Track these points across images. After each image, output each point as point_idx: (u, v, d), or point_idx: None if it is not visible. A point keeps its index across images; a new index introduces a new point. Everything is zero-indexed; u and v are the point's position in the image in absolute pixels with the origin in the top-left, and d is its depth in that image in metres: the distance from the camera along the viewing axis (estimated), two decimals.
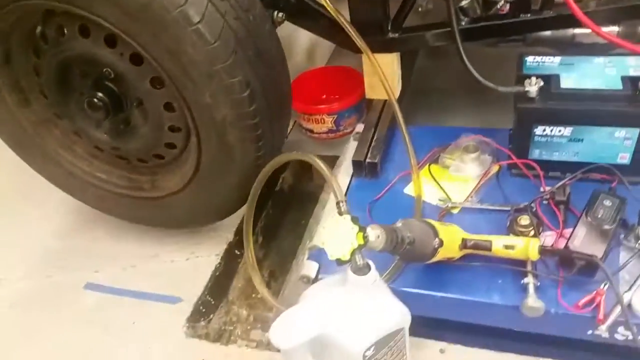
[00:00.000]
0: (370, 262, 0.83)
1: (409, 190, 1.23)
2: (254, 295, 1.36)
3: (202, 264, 1.35)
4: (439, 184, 1.22)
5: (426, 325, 1.09)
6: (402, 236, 0.88)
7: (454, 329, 1.11)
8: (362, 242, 0.81)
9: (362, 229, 0.81)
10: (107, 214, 1.42)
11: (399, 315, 0.86)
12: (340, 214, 0.85)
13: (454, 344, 1.10)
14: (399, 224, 0.91)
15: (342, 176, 1.31)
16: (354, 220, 0.81)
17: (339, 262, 0.82)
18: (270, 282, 1.39)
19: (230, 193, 1.17)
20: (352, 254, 0.81)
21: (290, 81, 1.19)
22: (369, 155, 1.28)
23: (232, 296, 1.34)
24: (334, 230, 0.82)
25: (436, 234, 0.95)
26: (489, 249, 1.01)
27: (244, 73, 0.99)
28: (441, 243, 0.95)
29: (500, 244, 1.00)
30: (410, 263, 1.02)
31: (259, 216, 1.53)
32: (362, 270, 0.82)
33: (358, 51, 1.33)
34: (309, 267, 1.11)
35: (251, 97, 1.02)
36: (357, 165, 1.28)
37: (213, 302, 1.30)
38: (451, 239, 0.99)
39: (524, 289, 0.98)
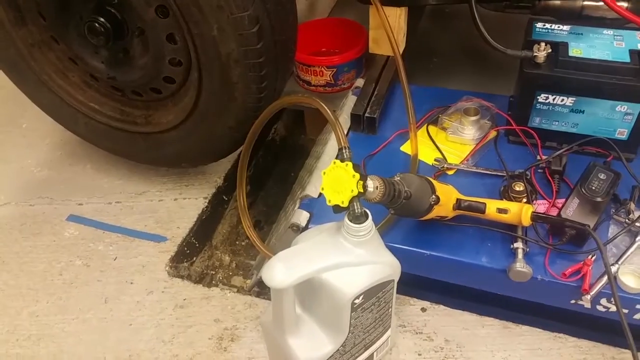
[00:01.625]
0: (368, 211, 0.81)
1: (406, 148, 1.21)
2: (237, 242, 1.34)
3: (190, 205, 1.32)
4: (435, 145, 1.20)
5: (410, 284, 1.08)
6: (400, 190, 0.86)
7: (436, 289, 1.11)
8: (362, 190, 0.79)
9: (363, 178, 0.79)
10: (97, 147, 1.37)
11: (390, 267, 0.84)
12: (343, 160, 0.82)
13: (436, 304, 1.10)
14: (397, 178, 0.89)
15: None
16: (356, 168, 0.79)
17: (337, 209, 0.80)
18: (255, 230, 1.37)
19: (226, 134, 1.13)
20: (351, 201, 0.79)
21: (297, 23, 1.14)
22: (368, 109, 1.24)
23: (216, 241, 1.32)
24: (334, 176, 0.80)
25: (433, 190, 0.93)
26: (482, 212, 0.99)
27: (254, 7, 0.93)
28: (438, 200, 0.93)
29: (493, 207, 0.99)
30: (403, 217, 1.01)
31: (247, 166, 1.50)
32: (359, 218, 0.80)
33: (366, 2, 1.28)
34: (300, 216, 1.09)
35: (259, 33, 0.96)
36: (356, 119, 1.25)
37: (197, 245, 1.28)
38: (446, 198, 0.97)
39: (513, 253, 0.98)
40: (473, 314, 1.08)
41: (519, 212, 0.97)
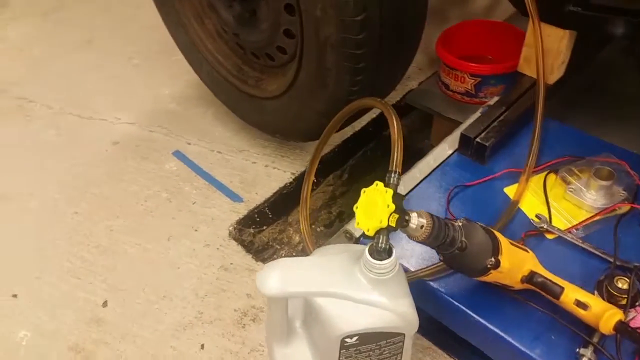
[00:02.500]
0: (394, 249, 0.70)
1: (510, 190, 1.02)
2: (312, 227, 1.29)
3: (276, 176, 1.30)
4: (546, 198, 1.00)
5: (450, 338, 0.95)
6: (454, 237, 0.73)
7: (482, 356, 0.95)
8: (393, 224, 0.68)
9: (401, 212, 0.68)
10: (213, 95, 1.42)
11: (402, 320, 0.72)
12: (387, 185, 0.71)
13: None
14: (458, 223, 0.75)
15: (445, 145, 1.13)
16: (396, 198, 0.68)
17: (363, 235, 0.71)
18: (334, 221, 1.31)
19: (315, 118, 1.07)
20: (377, 232, 0.69)
21: (423, 24, 1.01)
22: (482, 134, 1.07)
23: (291, 219, 1.29)
24: (371, 198, 0.70)
25: (496, 252, 0.76)
26: (557, 297, 0.80)
27: None
28: (497, 265, 0.76)
29: (572, 297, 0.79)
30: (454, 270, 0.86)
31: (353, 153, 1.43)
32: (380, 254, 0.69)
33: (525, 13, 1.09)
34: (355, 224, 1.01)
35: (363, 23, 0.87)
36: (465, 141, 1.08)
37: (270, 216, 1.26)
38: (515, 266, 0.80)
39: (576, 358, 0.78)
40: None
41: (601, 314, 0.76)
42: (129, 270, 1.13)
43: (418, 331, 0.99)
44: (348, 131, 1.40)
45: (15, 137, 1.50)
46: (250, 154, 1.37)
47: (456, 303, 0.88)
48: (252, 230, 1.22)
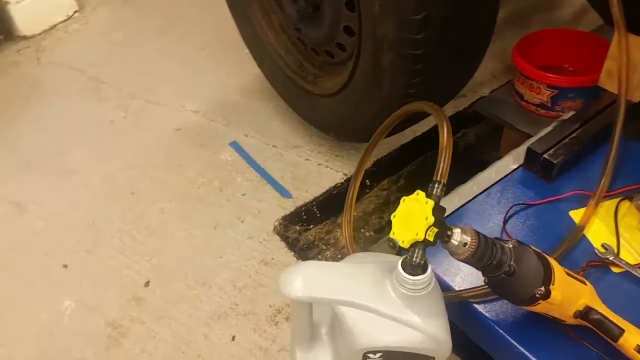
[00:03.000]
0: (429, 265, 0.64)
1: (576, 215, 0.92)
2: (362, 230, 1.24)
3: (328, 175, 1.27)
4: (616, 228, 0.89)
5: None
6: (501, 260, 0.66)
7: None
8: (431, 239, 0.62)
9: (441, 226, 0.62)
10: (273, 88, 1.40)
11: (433, 342, 0.66)
12: (429, 196, 0.65)
13: None
14: (509, 245, 0.68)
15: (510, 159, 1.04)
16: (436, 211, 0.62)
17: (399, 247, 0.65)
18: (385, 227, 1.25)
19: (368, 120, 1.02)
20: (413, 245, 0.63)
21: (493, 26, 0.93)
22: (551, 150, 0.98)
23: (341, 220, 1.24)
24: (410, 208, 0.65)
25: (547, 281, 0.68)
26: (614, 339, 0.71)
27: None
28: (547, 295, 0.68)
29: (633, 341, 0.69)
30: (498, 296, 0.78)
31: (412, 159, 1.36)
32: (415, 269, 0.63)
33: (610, 22, 0.98)
34: None
35: (423, 23, 0.81)
36: (531, 156, 0.99)
37: (319, 215, 1.22)
38: (569, 299, 0.71)
39: None
40: None
41: None
42: (174, 253, 1.14)
43: (460, 355, 0.94)
44: (408, 135, 1.34)
45: (87, 116, 1.56)
46: (305, 151, 1.35)
47: (501, 331, 0.79)
48: (298, 228, 1.19)
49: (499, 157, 1.33)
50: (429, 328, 0.66)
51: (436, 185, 0.67)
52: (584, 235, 0.89)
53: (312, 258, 1.15)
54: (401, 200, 0.67)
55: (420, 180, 1.36)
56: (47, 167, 1.40)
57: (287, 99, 1.35)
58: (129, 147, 1.42)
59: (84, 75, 1.71)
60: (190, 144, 1.41)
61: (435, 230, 0.63)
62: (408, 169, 1.35)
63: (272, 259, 1.10)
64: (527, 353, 0.76)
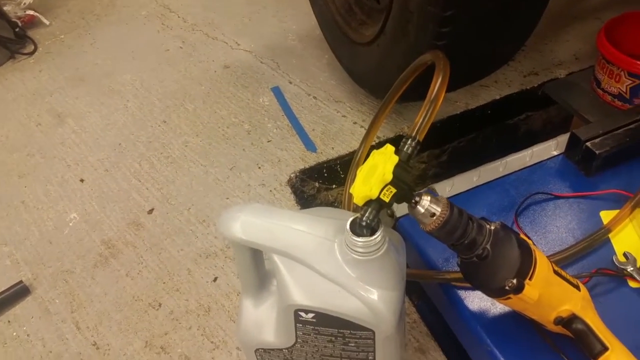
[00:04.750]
0: (380, 228, 0.60)
1: (606, 216, 0.82)
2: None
3: (361, 135, 1.21)
4: None
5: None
6: (475, 240, 0.60)
7: None
8: (386, 200, 0.58)
9: (401, 187, 0.57)
10: (321, 31, 1.37)
11: (371, 315, 0.61)
12: (397, 152, 0.60)
13: None
14: (490, 226, 0.62)
15: (552, 144, 0.94)
16: (399, 169, 0.57)
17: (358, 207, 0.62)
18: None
19: (394, 73, 0.95)
20: (366, 204, 0.59)
21: None
22: (597, 140, 0.87)
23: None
24: (375, 163, 0.60)
25: (523, 274, 0.61)
26: (594, 357, 0.63)
27: None
28: (518, 289, 0.61)
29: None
30: (468, 282, 0.71)
31: (461, 135, 1.27)
32: (362, 229, 0.59)
33: None
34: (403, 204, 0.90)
35: None
36: (573, 142, 0.89)
37: (342, 176, 1.19)
38: (549, 300, 0.63)
39: None
40: None
41: None
42: (184, 187, 1.17)
43: (438, 341, 0.88)
44: (459, 107, 1.25)
45: (146, 41, 1.64)
46: (345, 107, 1.30)
47: (477, 324, 0.74)
48: (317, 185, 1.17)
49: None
50: (369, 297, 0.62)
51: (409, 141, 0.62)
52: (608, 239, 0.79)
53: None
54: (371, 154, 0.63)
55: (467, 159, 1.28)
56: (94, 85, 1.49)
57: (331, 45, 1.32)
58: (174, 77, 1.47)
59: (155, 1, 1.80)
60: (233, 83, 1.43)
61: (393, 190, 0.58)
62: (454, 145, 1.27)
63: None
64: (497, 353, 0.71)
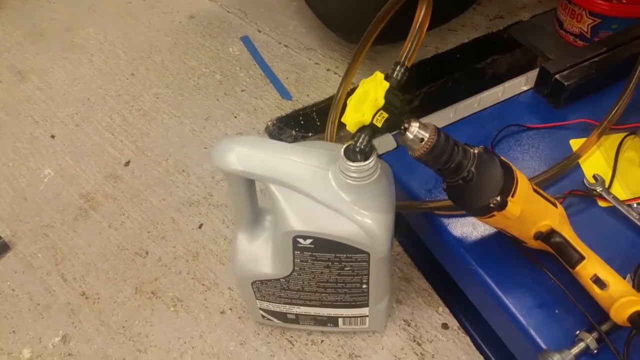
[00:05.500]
0: (373, 154, 0.63)
1: (575, 143, 0.89)
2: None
3: (335, 82, 1.24)
4: (615, 161, 0.85)
5: (451, 289, 0.87)
6: (460, 163, 0.64)
7: (476, 316, 0.85)
8: (378, 124, 0.61)
9: (393, 113, 0.60)
10: None
11: (366, 237, 0.65)
12: (387, 78, 0.63)
13: (463, 333, 0.85)
14: (474, 150, 0.66)
15: (521, 81, 1.00)
16: (390, 94, 0.60)
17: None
18: None
19: (372, 13, 0.97)
20: (360, 130, 0.62)
21: None
22: (565, 72, 0.93)
23: (343, 133, 1.23)
24: (365, 90, 0.63)
25: (506, 192, 0.66)
26: (572, 266, 0.69)
27: None
28: (502, 206, 0.66)
29: (590, 270, 0.68)
30: (454, 204, 0.76)
31: (432, 80, 1.31)
32: (356, 154, 0.63)
33: None
34: (385, 141, 0.94)
35: None
36: (543, 76, 0.95)
37: (319, 123, 1.22)
38: (530, 216, 0.69)
39: (573, 341, 0.68)
40: None
41: (617, 297, 0.65)
42: (160, 138, 1.18)
43: (421, 270, 0.94)
44: (429, 51, 1.29)
45: None
46: (316, 54, 1.33)
47: (460, 247, 0.80)
48: (294, 133, 1.20)
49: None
50: (364, 220, 0.66)
51: (397, 68, 0.64)
52: (578, 165, 0.85)
53: None
54: (361, 82, 0.66)
55: (438, 104, 1.32)
56: (55, 40, 1.45)
57: None
58: (139, 29, 1.45)
59: None
60: (200, 33, 1.42)
61: (385, 115, 0.62)
62: (426, 90, 1.32)
63: None
64: (480, 271, 0.76)
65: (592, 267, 0.68)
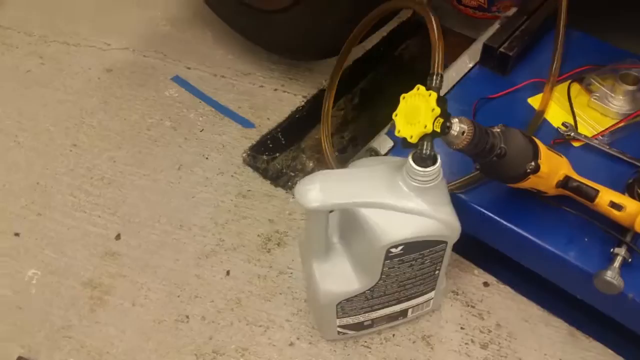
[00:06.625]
0: (438, 155, 0.72)
1: (534, 101, 1.05)
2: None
3: (287, 100, 1.30)
4: (571, 107, 1.03)
5: (478, 252, 1.00)
6: (493, 143, 0.75)
7: (508, 266, 0.99)
8: (438, 130, 0.70)
9: (445, 117, 0.69)
10: (214, 13, 1.38)
11: (446, 227, 0.75)
12: (429, 88, 0.72)
13: (502, 284, 1.00)
14: (497, 129, 0.78)
15: (465, 60, 1.14)
16: (440, 102, 0.69)
17: (404, 144, 0.72)
18: (347, 146, 1.33)
19: (337, 29, 1.05)
20: (422, 139, 0.70)
21: None
22: (506, 44, 1.09)
23: (305, 144, 1.30)
24: (412, 104, 0.71)
25: (536, 156, 0.80)
26: (592, 200, 0.84)
27: None
28: (537, 169, 0.80)
29: (607, 198, 0.84)
30: (490, 179, 0.89)
31: (363, 75, 1.43)
32: (425, 161, 0.71)
33: None
34: (382, 142, 1.03)
35: None
36: (488, 51, 1.10)
37: (283, 142, 1.27)
38: (551, 171, 0.83)
39: (610, 259, 0.84)
40: (540, 308, 0.97)
41: (636, 213, 0.81)
42: (140, 201, 1.14)
43: None
44: (359, 51, 1.39)
45: None
46: (257, 78, 1.36)
47: (489, 213, 0.92)
48: (265, 157, 1.23)
49: (445, 64, 1.46)
50: (442, 215, 0.76)
51: (434, 77, 0.75)
52: (545, 119, 1.02)
53: (283, 186, 1.20)
54: (401, 98, 0.73)
55: (375, 96, 1.44)
56: None
57: (232, 23, 1.34)
58: (56, 97, 1.36)
59: None
60: (126, 85, 1.37)
61: (442, 120, 0.71)
62: (361, 86, 1.42)
63: (249, 190, 1.14)
64: (515, 228, 0.89)
65: (607, 196, 0.84)
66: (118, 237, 1.09)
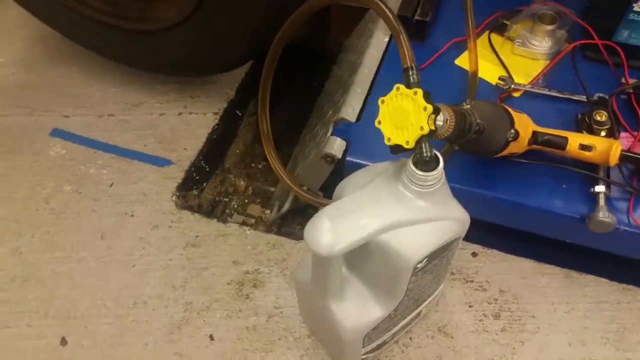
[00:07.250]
0: (439, 155, 0.67)
1: (462, 62, 1.04)
2: (253, 165, 1.19)
3: (197, 122, 1.16)
4: (499, 59, 1.03)
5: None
6: (471, 122, 0.71)
7: (489, 230, 0.99)
8: (433, 128, 0.64)
9: (436, 111, 0.64)
10: (83, 47, 1.18)
11: (460, 223, 0.71)
12: (409, 86, 0.66)
13: (488, 248, 0.99)
14: (466, 106, 0.74)
15: (380, 34, 1.09)
16: (427, 97, 0.63)
17: (396, 150, 0.65)
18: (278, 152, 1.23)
19: (241, 38, 0.94)
20: (419, 142, 0.64)
21: None
22: (418, 11, 1.05)
23: (228, 163, 1.17)
24: (396, 106, 0.64)
25: (512, 123, 0.78)
26: (563, 148, 0.85)
27: None
28: (517, 135, 0.79)
29: (576, 143, 0.85)
30: (472, 155, 0.86)
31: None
32: (428, 164, 0.65)
33: None
34: (334, 144, 0.94)
35: None
36: (403, 22, 1.05)
37: (208, 170, 1.14)
38: (524, 132, 0.82)
39: (593, 199, 0.86)
40: (531, 261, 0.98)
41: (607, 150, 0.83)
42: (71, 291, 0.95)
43: None
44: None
45: None
46: (152, 106, 1.19)
47: (466, 187, 0.89)
48: (195, 192, 1.09)
49: (339, 40, 1.40)
50: (454, 213, 0.71)
51: (410, 72, 0.68)
52: (479, 77, 1.01)
53: (220, 216, 1.08)
54: (380, 102, 0.66)
55: (280, 90, 1.33)
56: None
57: (110, 53, 1.15)
58: None
59: None
60: None
61: (433, 117, 0.65)
62: (284, 88, 1.30)
63: (197, 236, 1.00)
64: (494, 194, 0.88)
65: (575, 141, 0.85)
66: (63, 341, 0.90)
